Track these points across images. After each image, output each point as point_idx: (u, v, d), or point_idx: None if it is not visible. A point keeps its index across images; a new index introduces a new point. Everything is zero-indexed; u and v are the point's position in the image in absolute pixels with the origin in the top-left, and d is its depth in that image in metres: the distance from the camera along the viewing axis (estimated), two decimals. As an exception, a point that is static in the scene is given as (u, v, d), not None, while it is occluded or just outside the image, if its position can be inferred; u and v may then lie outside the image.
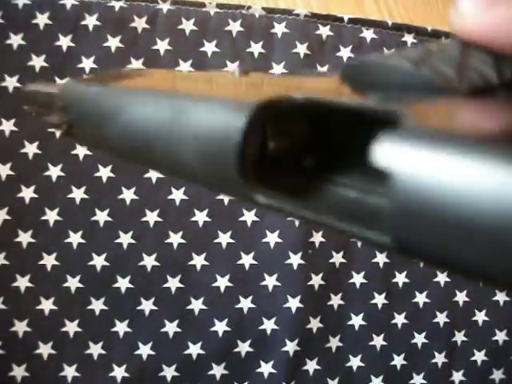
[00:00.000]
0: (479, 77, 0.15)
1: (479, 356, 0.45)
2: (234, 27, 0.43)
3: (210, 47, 0.43)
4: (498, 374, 0.45)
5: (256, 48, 0.44)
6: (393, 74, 0.15)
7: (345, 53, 0.45)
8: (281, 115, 0.15)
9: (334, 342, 0.43)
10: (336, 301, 0.43)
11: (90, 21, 0.41)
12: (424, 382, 0.44)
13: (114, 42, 0.42)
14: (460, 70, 0.15)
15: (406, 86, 0.15)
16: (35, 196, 0.40)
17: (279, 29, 0.44)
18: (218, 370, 0.42)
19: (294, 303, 0.42)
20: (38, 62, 0.41)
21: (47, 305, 0.40)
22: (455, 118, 0.13)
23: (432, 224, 0.11)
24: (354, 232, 0.13)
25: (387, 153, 0.11)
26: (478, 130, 0.11)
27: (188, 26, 0.43)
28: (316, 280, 0.43)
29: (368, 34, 0.45)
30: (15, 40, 0.41)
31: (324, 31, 0.44)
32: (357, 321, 0.43)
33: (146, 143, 0.17)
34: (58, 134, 0.40)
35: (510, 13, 0.17)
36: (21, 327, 0.39)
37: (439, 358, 0.44)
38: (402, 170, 0.11)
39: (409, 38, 0.46)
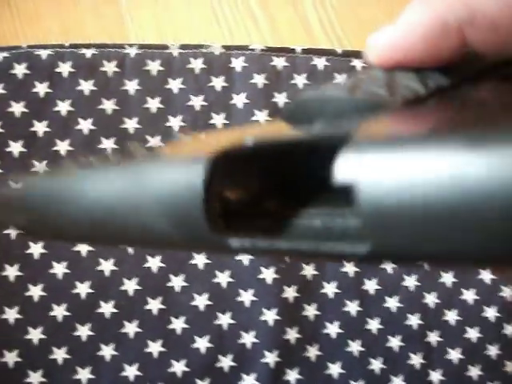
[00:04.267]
0: (408, 91, 0.16)
1: (455, 355, 0.47)
2: (196, 65, 0.47)
3: (175, 84, 0.47)
4: (474, 371, 0.47)
5: (217, 82, 0.47)
6: (329, 104, 0.16)
7: (299, 80, 0.49)
8: (238, 162, 0.15)
9: (313, 351, 0.45)
10: (311, 311, 0.45)
11: (64, 68, 0.45)
12: (403, 383, 0.46)
13: (87, 86, 0.45)
14: (390, 88, 0.17)
15: (342, 113, 0.16)
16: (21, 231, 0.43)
17: (237, 63, 0.48)
18: (202, 386, 0.43)
19: (270, 316, 0.44)
20: (17, 108, 0.44)
21: (36, 334, 0.42)
22: (396, 127, 0.14)
23: (398, 220, 0.11)
24: (328, 252, 0.13)
25: (347, 166, 0.11)
26: (414, 132, 0.12)
27: (154, 66, 0.47)
28: (290, 292, 0.45)
29: (320, 62, 0.49)
30: (-4, 90, 0.44)
31: (279, 62, 0.48)
32: (333, 329, 0.45)
33: (111, 220, 0.16)
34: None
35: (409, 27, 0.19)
36: (11, 357, 0.41)
37: (416, 360, 0.46)
38: (364, 177, 0.11)
39: (358, 63, 0.50)
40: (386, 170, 0.11)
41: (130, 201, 0.15)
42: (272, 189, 0.16)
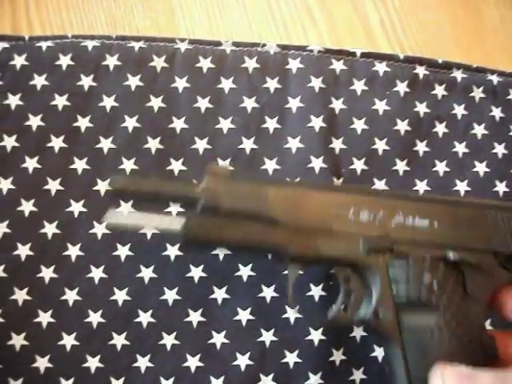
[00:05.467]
0: None
1: None
2: (250, 64, 0.45)
3: (227, 84, 0.44)
4: None
5: (272, 83, 0.45)
6: None
7: (358, 86, 0.46)
8: None
9: (358, 375, 0.42)
10: (358, 332, 0.43)
11: (111, 61, 0.43)
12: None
13: (133, 81, 0.43)
14: None
15: None
16: (57, 231, 0.41)
17: (294, 64, 0.45)
18: (241, 405, 0.41)
19: (316, 335, 0.42)
20: (60, 101, 0.42)
21: (69, 340, 0.40)
22: None
23: None
24: None
25: None
26: None
27: (205, 63, 0.44)
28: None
29: (381, 67, 0.46)
30: (39, 81, 0.42)
31: (337, 66, 0.46)
32: (380, 352, 0.43)
33: None
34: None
35: None
36: (42, 363, 0.39)
37: None
38: None
39: (421, 70, 0.47)
40: None
41: None
42: None
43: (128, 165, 0.42)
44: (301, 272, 0.42)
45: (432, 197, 0.38)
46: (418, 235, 0.34)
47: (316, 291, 0.42)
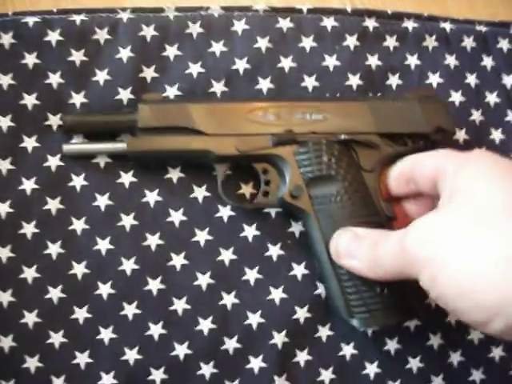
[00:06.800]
0: None
1: None
2: (194, 29, 0.44)
3: (171, 51, 0.44)
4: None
5: (217, 47, 0.44)
6: None
7: (307, 42, 0.45)
8: None
9: (324, 331, 0.42)
10: (323, 290, 0.42)
11: (53, 37, 0.42)
12: None
13: (78, 56, 0.43)
14: None
15: None
16: (11, 210, 0.41)
17: (239, 26, 0.44)
18: (207, 369, 0.41)
19: (277, 294, 0.42)
20: (5, 80, 0.42)
21: (31, 318, 0.40)
22: None
23: None
24: None
25: None
26: None
27: (149, 31, 0.44)
28: (299, 270, 0.42)
29: (328, 23, 0.45)
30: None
31: (284, 24, 0.45)
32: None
33: None
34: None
35: (358, 264, 0.35)
36: (6, 343, 0.39)
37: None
38: None
39: (370, 23, 0.46)
40: None
41: None
42: None
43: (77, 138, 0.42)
44: (258, 233, 0.42)
45: (324, 97, 0.45)
46: (316, 127, 0.41)
47: (275, 250, 0.42)
